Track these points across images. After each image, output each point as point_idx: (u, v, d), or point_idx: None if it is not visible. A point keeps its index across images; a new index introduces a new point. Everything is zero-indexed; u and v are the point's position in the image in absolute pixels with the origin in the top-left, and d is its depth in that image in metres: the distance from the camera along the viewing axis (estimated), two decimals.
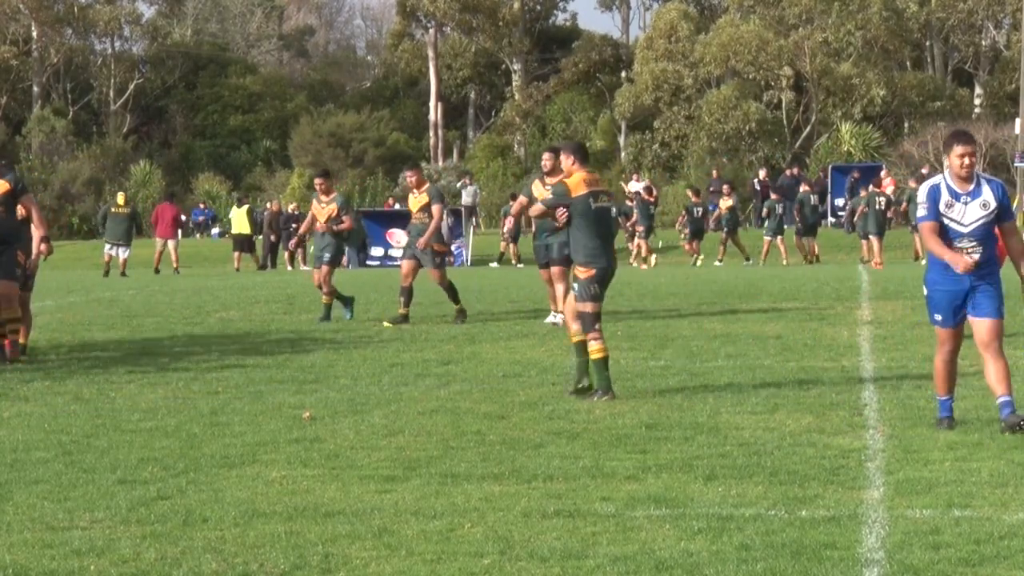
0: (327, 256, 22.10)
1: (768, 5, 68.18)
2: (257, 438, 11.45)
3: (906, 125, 69.25)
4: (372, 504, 9.03)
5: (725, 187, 46.96)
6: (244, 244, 46.09)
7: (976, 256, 11.23)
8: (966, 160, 11.28)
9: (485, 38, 76.41)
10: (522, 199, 20.59)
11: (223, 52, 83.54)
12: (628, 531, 8.30)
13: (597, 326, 13.51)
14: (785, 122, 67.76)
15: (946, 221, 11.30)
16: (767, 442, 10.96)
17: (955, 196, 11.29)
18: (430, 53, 74.49)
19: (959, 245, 11.26)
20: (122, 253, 40.42)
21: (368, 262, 48.95)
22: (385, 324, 20.87)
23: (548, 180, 20.40)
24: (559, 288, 20.13)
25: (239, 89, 78.58)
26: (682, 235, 48.06)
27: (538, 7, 79.41)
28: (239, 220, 46.27)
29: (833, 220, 55.14)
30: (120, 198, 42.27)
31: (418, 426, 11.95)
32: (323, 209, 22.22)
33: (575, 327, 13.72)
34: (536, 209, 14.51)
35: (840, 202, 54.30)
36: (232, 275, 40.50)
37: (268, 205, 51.57)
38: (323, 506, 8.98)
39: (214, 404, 13.31)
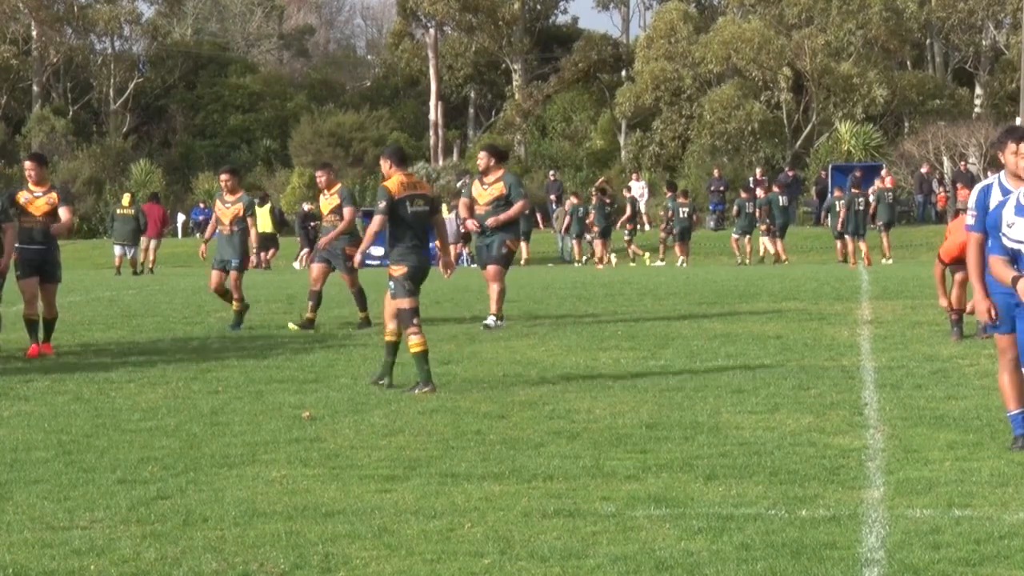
0: (235, 263, 20.75)
1: (768, 4, 68.15)
2: (257, 438, 11.45)
3: (906, 125, 69.23)
4: (372, 504, 9.03)
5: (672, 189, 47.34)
6: (269, 242, 46.17)
7: None
8: (1022, 159, 10.69)
9: (485, 38, 76.35)
10: (464, 200, 20.59)
11: (223, 52, 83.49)
12: (628, 531, 8.30)
13: (416, 321, 14.04)
14: (785, 122, 67.73)
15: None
16: (767, 442, 10.96)
17: (1007, 195, 10.62)
18: (430, 53, 74.45)
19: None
20: (131, 252, 41.56)
21: (368, 262, 48.94)
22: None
23: (485, 180, 20.36)
24: (493, 287, 20.12)
25: (239, 89, 78.54)
26: (627, 236, 48.07)
27: (538, 7, 79.37)
28: (262, 219, 46.22)
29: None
30: (125, 199, 43.02)
31: (418, 426, 11.95)
32: (227, 210, 20.88)
33: (391, 326, 14.30)
34: (376, 223, 14.52)
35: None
36: None
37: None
38: (323, 506, 8.98)
39: (214, 404, 13.31)
